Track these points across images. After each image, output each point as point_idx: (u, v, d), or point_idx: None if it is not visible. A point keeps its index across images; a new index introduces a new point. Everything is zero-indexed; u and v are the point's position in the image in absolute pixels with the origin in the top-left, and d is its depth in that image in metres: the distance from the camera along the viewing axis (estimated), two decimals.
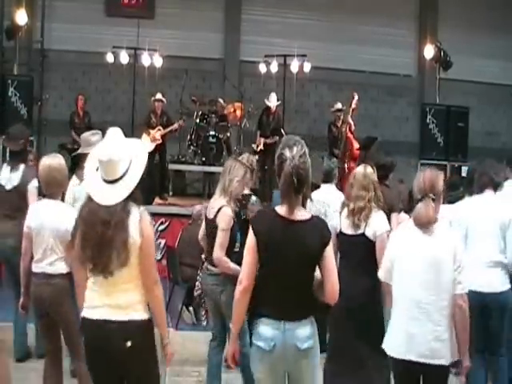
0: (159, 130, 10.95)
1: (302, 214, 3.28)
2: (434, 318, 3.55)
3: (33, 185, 5.53)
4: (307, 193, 3.31)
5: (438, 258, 3.57)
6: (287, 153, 3.23)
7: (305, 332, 3.24)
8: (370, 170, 4.90)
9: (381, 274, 3.81)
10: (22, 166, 5.72)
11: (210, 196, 11.06)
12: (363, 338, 4.53)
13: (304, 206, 3.33)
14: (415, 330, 3.56)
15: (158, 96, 11.18)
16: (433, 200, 3.62)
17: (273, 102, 11.61)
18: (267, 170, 11.11)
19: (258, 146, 11.42)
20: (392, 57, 14.51)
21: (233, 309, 3.38)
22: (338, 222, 4.80)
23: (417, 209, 3.66)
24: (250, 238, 3.28)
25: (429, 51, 12.46)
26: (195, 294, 5.21)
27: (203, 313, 5.21)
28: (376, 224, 4.66)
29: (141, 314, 3.20)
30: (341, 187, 7.40)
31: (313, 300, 3.29)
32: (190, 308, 7.63)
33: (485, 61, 14.44)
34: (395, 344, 3.65)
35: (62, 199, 4.75)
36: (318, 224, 3.32)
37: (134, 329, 3.15)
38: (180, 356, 6.06)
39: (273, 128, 11.58)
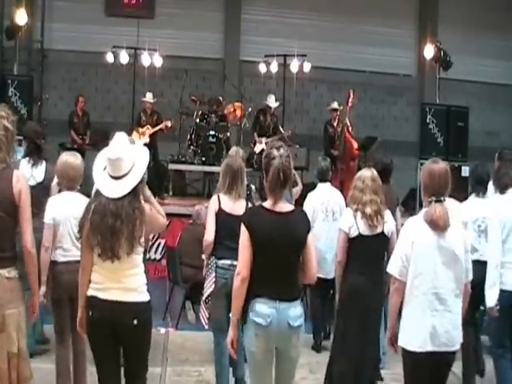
0: (148, 128, 11.16)
1: (286, 207, 3.70)
2: (452, 307, 3.68)
3: (55, 181, 5.59)
4: (290, 188, 3.84)
5: (454, 250, 3.66)
6: (275, 152, 3.63)
7: (296, 312, 3.66)
8: (375, 172, 5.07)
9: (394, 271, 3.76)
10: (44, 162, 5.74)
11: (209, 196, 11.14)
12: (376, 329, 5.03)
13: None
14: (437, 321, 3.66)
15: (147, 97, 11.38)
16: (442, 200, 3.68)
17: (273, 102, 11.62)
18: None
19: (256, 146, 11.37)
20: (392, 57, 14.51)
21: (232, 297, 3.72)
22: (351, 225, 4.93)
23: (432, 211, 3.66)
24: (244, 234, 3.64)
25: (429, 51, 12.45)
26: (207, 293, 5.19)
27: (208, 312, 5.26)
28: (390, 222, 5.03)
29: (146, 296, 3.65)
30: (341, 187, 7.43)
31: (298, 283, 3.75)
32: (189, 306, 7.65)
33: (485, 61, 14.45)
34: (418, 338, 3.68)
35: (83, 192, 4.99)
36: (300, 214, 3.79)
37: (141, 309, 3.62)
38: (180, 356, 6.10)
39: (273, 128, 11.59)
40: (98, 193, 3.62)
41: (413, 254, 3.68)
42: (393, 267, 3.78)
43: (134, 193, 3.58)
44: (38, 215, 5.33)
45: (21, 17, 11.06)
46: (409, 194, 11.57)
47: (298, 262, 3.69)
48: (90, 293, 3.63)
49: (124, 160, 3.55)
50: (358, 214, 4.90)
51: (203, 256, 7.66)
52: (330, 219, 6.69)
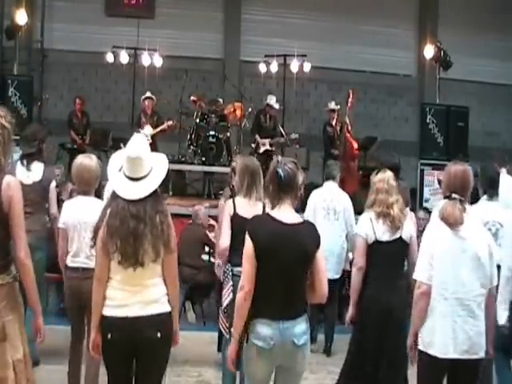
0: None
1: (295, 218, 3.45)
2: (475, 313, 3.63)
3: (53, 185, 5.61)
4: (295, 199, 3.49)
5: (478, 255, 3.63)
6: (279, 159, 3.55)
7: (301, 329, 3.40)
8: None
9: (420, 276, 3.68)
10: (40, 165, 5.60)
11: (209, 196, 11.17)
12: (400, 338, 4.45)
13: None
14: (458, 327, 3.61)
15: (147, 94, 11.19)
16: (461, 201, 3.67)
17: (275, 102, 11.54)
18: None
19: (259, 148, 11.29)
20: (392, 57, 14.51)
21: (235, 315, 3.45)
22: (368, 231, 4.61)
23: (443, 209, 3.69)
24: (248, 244, 3.38)
25: (429, 51, 12.44)
26: (226, 302, 4.71)
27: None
28: (409, 226, 4.70)
29: (167, 307, 3.41)
30: (341, 187, 7.42)
31: (305, 299, 3.47)
32: (189, 307, 7.65)
33: (485, 61, 14.44)
34: (439, 343, 3.62)
35: (98, 195, 4.87)
36: (310, 227, 3.51)
37: (164, 320, 3.39)
38: (180, 356, 6.09)
39: (272, 129, 11.55)
40: (114, 195, 3.41)
41: (436, 258, 3.64)
42: (420, 273, 3.69)
43: (156, 195, 3.38)
44: (34, 215, 5.24)
45: (21, 17, 11.06)
46: (409, 194, 11.55)
47: (305, 279, 3.42)
48: (107, 312, 3.35)
49: (144, 160, 3.37)
50: (380, 219, 4.57)
51: (204, 257, 7.64)
52: (331, 218, 6.68)
